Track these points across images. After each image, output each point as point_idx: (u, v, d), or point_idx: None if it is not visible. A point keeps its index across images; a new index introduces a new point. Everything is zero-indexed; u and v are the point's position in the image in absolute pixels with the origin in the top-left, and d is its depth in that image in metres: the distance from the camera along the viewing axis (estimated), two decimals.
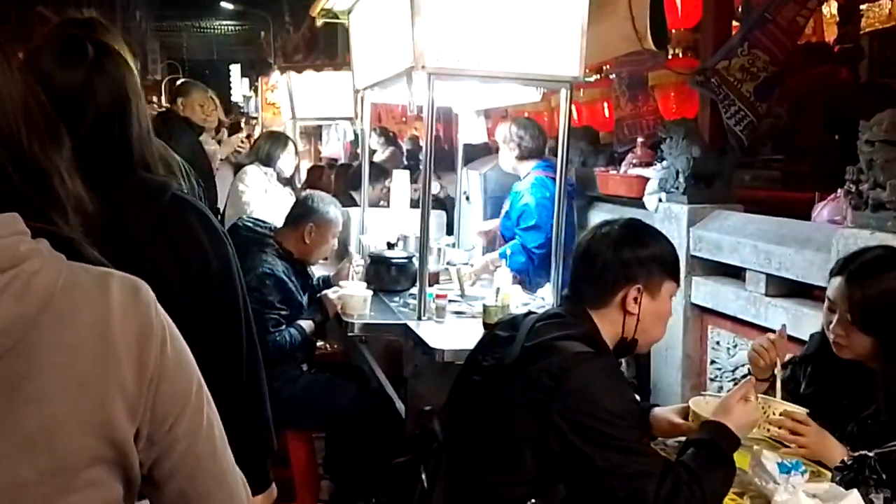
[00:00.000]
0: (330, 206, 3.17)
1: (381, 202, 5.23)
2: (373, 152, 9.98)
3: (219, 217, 4.85)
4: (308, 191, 3.36)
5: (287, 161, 4.65)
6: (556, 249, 3.22)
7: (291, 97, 7.78)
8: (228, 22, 28.85)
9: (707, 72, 3.75)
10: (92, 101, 1.28)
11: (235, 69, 30.16)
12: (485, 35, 2.96)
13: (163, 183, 1.34)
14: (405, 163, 9.22)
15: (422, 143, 9.71)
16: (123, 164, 1.30)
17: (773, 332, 2.91)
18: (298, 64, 9.22)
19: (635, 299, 1.66)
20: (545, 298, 3.12)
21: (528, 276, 3.85)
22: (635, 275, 1.66)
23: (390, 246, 3.71)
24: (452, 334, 2.89)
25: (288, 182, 4.69)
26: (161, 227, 1.29)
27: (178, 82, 5.14)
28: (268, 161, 4.61)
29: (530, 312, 1.78)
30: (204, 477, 0.82)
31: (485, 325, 2.84)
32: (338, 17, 4.43)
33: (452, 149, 8.64)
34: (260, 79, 13.47)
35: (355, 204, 5.19)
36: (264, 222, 3.23)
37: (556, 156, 3.88)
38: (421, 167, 3.09)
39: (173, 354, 0.78)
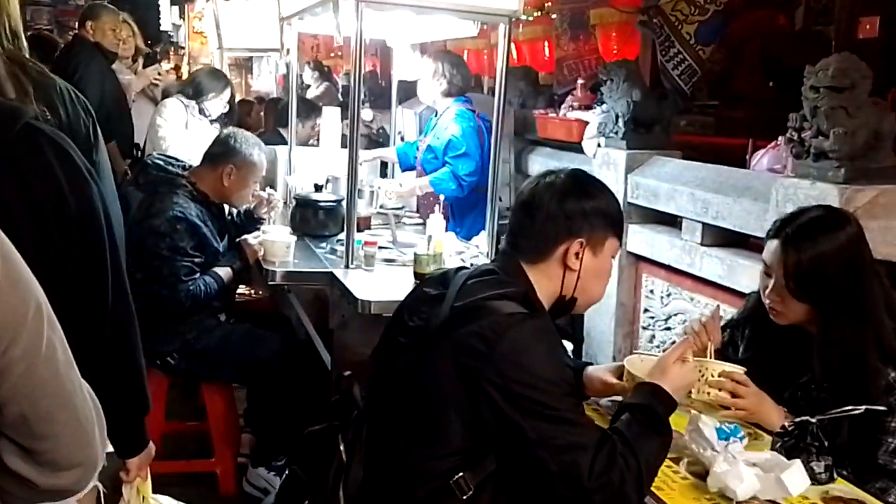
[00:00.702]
0: (254, 149, 2.94)
1: (312, 141, 4.98)
2: (306, 87, 9.60)
3: (137, 153, 4.52)
4: (231, 128, 3.10)
5: (215, 104, 4.33)
6: (492, 195, 3.08)
7: (218, 26, 7.31)
8: None
9: (651, 10, 3.60)
10: None
11: None
12: None
13: (12, 109, 1.17)
14: (340, 99, 8.89)
15: None
16: None
17: (709, 283, 2.88)
18: None
19: (577, 254, 1.53)
20: (479, 247, 2.99)
21: (457, 206, 3.75)
22: (579, 228, 1.52)
23: (318, 188, 3.50)
24: (381, 284, 2.73)
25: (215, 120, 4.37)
26: (7, 161, 1.12)
27: (87, 4, 4.70)
28: (195, 95, 4.27)
29: (462, 268, 1.63)
30: (44, 398, 0.80)
31: (416, 274, 2.69)
32: None
33: (389, 85, 8.36)
34: (187, 6, 12.75)
35: (284, 142, 4.94)
36: (177, 160, 2.98)
37: (493, 95, 3.73)
38: (354, 102, 2.87)
39: (3, 272, 0.75)
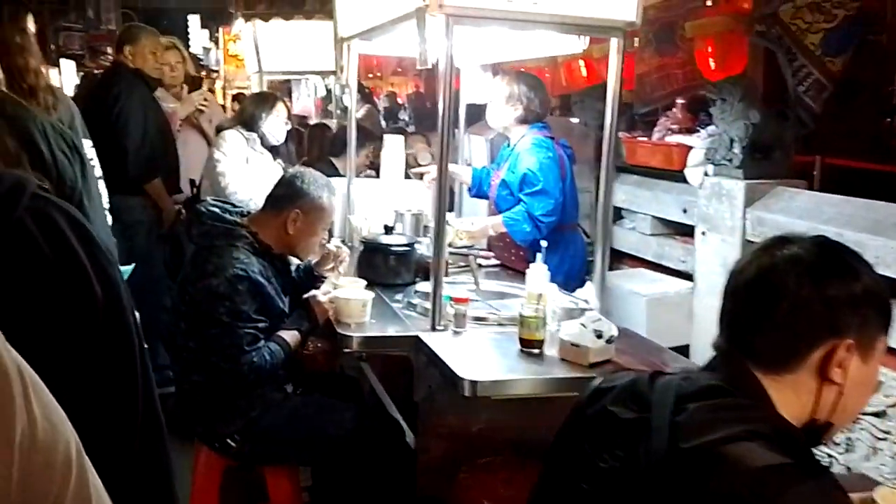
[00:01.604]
0: (323, 191, 2.50)
1: (366, 171, 4.56)
2: (344, 110, 9.23)
3: (193, 189, 4.11)
4: (297, 168, 2.67)
5: (274, 124, 3.88)
6: (603, 236, 2.61)
7: (257, 49, 7.00)
8: None
9: (767, 20, 3.12)
10: None
11: (194, 19, 28.74)
12: None
13: (16, 181, 0.90)
14: (382, 122, 8.51)
15: (400, 100, 9.00)
16: None
17: None
18: (264, 12, 8.34)
19: (841, 362, 1.06)
20: (588, 301, 2.51)
21: (532, 254, 3.29)
22: (846, 324, 1.05)
23: (388, 230, 3.06)
24: (479, 353, 2.28)
25: (275, 150, 3.94)
26: (14, 247, 0.87)
27: (124, 27, 4.34)
28: (251, 124, 3.84)
29: (658, 373, 1.16)
30: None
31: (522, 341, 2.23)
32: None
33: (436, 107, 7.96)
34: (221, 29, 12.51)
35: (335, 172, 4.52)
36: (234, 205, 2.56)
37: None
38: (444, 130, 2.43)
39: (41, 409, 0.58)
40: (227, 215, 2.43)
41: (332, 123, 8.35)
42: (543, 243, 2.69)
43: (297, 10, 11.10)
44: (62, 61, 20.49)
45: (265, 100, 3.94)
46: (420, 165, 4.13)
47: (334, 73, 7.35)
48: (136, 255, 3.88)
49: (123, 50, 4.04)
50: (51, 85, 2.35)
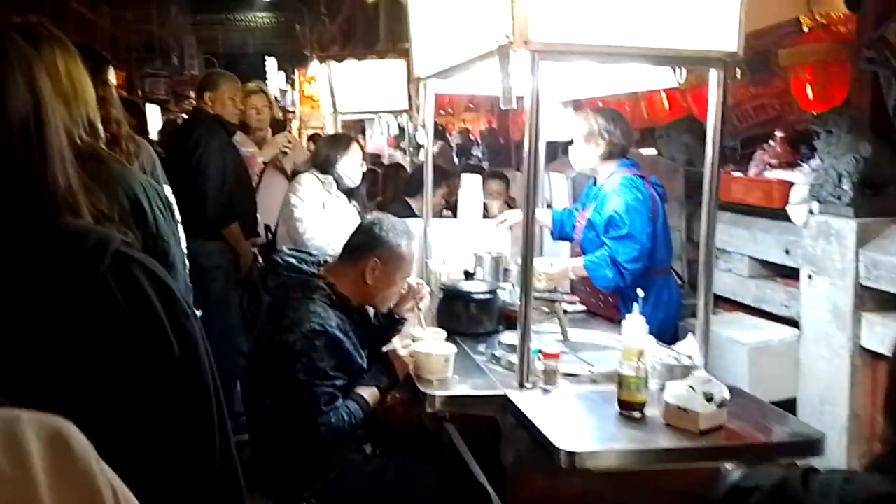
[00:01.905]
0: (402, 238, 2.38)
1: (443, 211, 4.45)
2: (418, 147, 9.21)
3: (270, 234, 4.07)
4: (375, 214, 2.56)
5: (350, 165, 3.78)
6: (704, 284, 2.40)
7: (332, 89, 7.04)
8: (264, 14, 28.34)
9: (875, 44, 2.88)
10: None
11: (271, 62, 29.75)
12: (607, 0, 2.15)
13: (101, 238, 0.92)
14: (455, 159, 8.44)
15: (473, 136, 8.93)
16: (38, 203, 0.91)
17: None
18: (339, 53, 8.45)
19: None
20: (692, 357, 2.30)
21: (621, 300, 3.09)
22: None
23: (468, 276, 2.92)
24: (575, 416, 2.10)
25: (351, 192, 3.86)
26: (96, 305, 0.88)
27: (204, 74, 4.38)
28: (327, 167, 3.75)
29: (811, 471, 0.96)
30: None
31: (622, 403, 2.03)
32: None
33: (510, 143, 7.85)
34: (297, 71, 12.81)
35: (411, 213, 4.43)
36: (310, 254, 2.47)
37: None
38: (530, 171, 2.28)
39: None
40: (304, 265, 2.34)
41: (406, 161, 8.36)
42: (640, 292, 2.49)
43: (370, 49, 11.25)
44: (148, 106, 21.41)
45: (340, 141, 3.87)
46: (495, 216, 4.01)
47: (407, 111, 7.39)
48: (213, 300, 3.86)
49: (204, 96, 4.07)
50: (132, 133, 2.35)
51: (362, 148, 3.94)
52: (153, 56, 27.51)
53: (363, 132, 11.12)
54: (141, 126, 4.77)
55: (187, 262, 2.16)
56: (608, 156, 3.17)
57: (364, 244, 2.38)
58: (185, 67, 31.61)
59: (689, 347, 2.36)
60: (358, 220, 3.69)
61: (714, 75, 2.29)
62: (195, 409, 0.99)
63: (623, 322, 2.37)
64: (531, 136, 2.23)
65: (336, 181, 3.65)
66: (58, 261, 0.88)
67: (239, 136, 4.26)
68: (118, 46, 23.60)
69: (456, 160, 8.32)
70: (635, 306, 2.39)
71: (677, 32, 2.21)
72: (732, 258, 3.66)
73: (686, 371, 2.26)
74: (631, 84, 3.06)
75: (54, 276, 0.86)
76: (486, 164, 7.39)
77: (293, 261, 2.33)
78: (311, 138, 9.73)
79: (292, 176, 3.90)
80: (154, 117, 18.20)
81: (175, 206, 2.20)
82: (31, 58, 0.99)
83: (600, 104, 4.95)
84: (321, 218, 3.53)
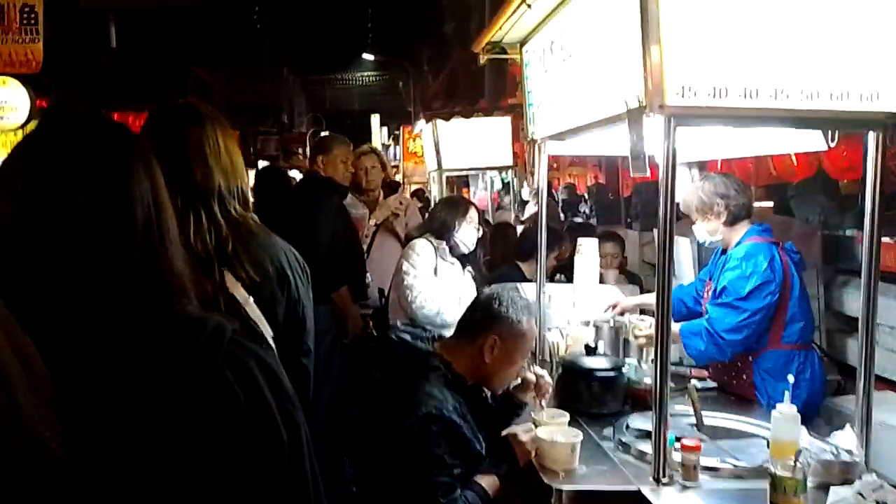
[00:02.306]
0: (523, 314, 2.23)
1: (557, 275, 4.28)
2: (523, 204, 9.10)
3: (382, 300, 4.00)
4: (494, 288, 2.42)
5: (466, 232, 3.62)
6: (864, 366, 2.13)
7: (438, 147, 7.09)
8: (369, 73, 29.35)
9: None
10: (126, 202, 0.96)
11: (375, 118, 30.70)
12: (751, 58, 1.97)
13: (217, 326, 0.95)
14: (561, 215, 8.26)
15: (580, 191, 8.73)
16: (158, 291, 0.95)
17: None
18: (445, 111, 8.50)
19: None
20: (853, 453, 2.02)
21: (758, 375, 2.83)
22: None
23: (590, 350, 2.73)
24: None
25: (465, 258, 3.70)
26: (213, 395, 0.89)
27: (318, 137, 4.42)
28: (442, 233, 3.59)
29: None
30: None
31: None
32: (505, 52, 3.57)
33: (619, 198, 7.62)
34: (401, 127, 13.03)
35: (521, 277, 4.27)
36: (425, 330, 2.35)
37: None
38: (666, 246, 2.10)
39: None
40: (419, 343, 2.22)
41: (510, 216, 8.25)
42: (790, 378, 2.23)
43: (473, 104, 11.32)
44: (259, 162, 22.41)
45: (457, 206, 3.72)
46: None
47: (513, 167, 7.32)
48: (320, 364, 3.81)
49: (317, 160, 4.10)
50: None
51: (478, 211, 3.81)
52: (265, 115, 28.93)
53: (467, 186, 11.13)
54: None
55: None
56: (732, 221, 2.96)
57: (482, 320, 2.24)
58: (294, 125, 33.10)
59: (847, 440, 2.08)
60: (472, 287, 3.58)
61: (872, 137, 2.06)
62: (295, 492, 1.01)
63: (773, 413, 2.12)
64: (666, 209, 2.05)
65: (450, 248, 3.54)
66: (178, 349, 0.90)
67: (350, 199, 4.26)
68: (233, 106, 24.91)
69: (562, 216, 8.14)
70: (786, 395, 2.13)
71: (832, 91, 2.00)
72: (881, 331, 3.30)
73: (846, 469, 1.99)
74: (772, 146, 2.85)
75: (175, 364, 0.89)
76: (594, 221, 7.17)
77: (407, 337, 2.22)
78: (415, 194, 9.79)
79: (406, 240, 3.81)
80: None
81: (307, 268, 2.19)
82: (150, 154, 1.02)
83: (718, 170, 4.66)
84: (432, 285, 3.41)
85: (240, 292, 1.67)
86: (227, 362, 0.91)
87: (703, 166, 3.65)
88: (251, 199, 1.87)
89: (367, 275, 4.15)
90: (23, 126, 6.86)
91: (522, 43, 3.37)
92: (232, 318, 1.05)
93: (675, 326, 2.94)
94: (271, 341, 1.70)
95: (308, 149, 30.42)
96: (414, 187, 11.23)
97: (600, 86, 2.38)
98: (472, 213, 3.61)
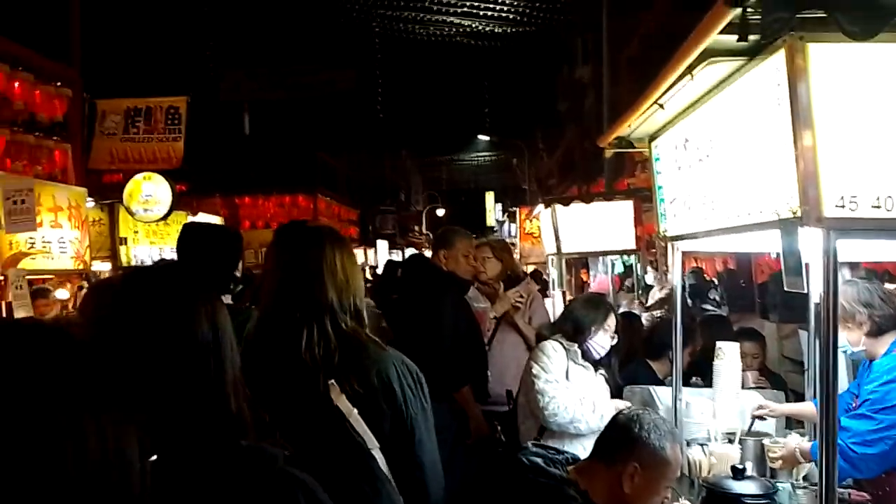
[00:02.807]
0: (666, 439, 2.06)
1: (693, 378, 4.00)
2: (647, 289, 8.77)
3: (510, 403, 3.86)
4: (632, 410, 2.25)
5: (602, 338, 3.39)
6: None
7: (557, 231, 6.99)
8: (484, 153, 29.91)
9: None
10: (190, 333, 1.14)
11: (489, 196, 31.06)
12: None
13: (268, 456, 1.07)
14: (689, 301, 7.88)
15: (708, 276, 8.33)
16: (216, 425, 1.07)
17: None
18: (564, 197, 8.44)
19: None
20: None
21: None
22: None
23: (737, 473, 2.48)
24: None
25: (598, 361, 3.47)
26: None
27: (438, 231, 4.42)
28: (576, 334, 3.37)
29: None
30: None
31: None
32: (632, 147, 3.47)
33: (752, 286, 7.19)
34: (518, 208, 13.06)
35: (653, 378, 4.02)
36: (558, 451, 2.21)
37: None
38: (829, 380, 1.88)
39: None
40: (552, 468, 2.08)
41: (633, 301, 7.95)
42: None
43: (590, 182, 11.19)
44: (378, 241, 23.03)
45: (597, 309, 3.47)
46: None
47: (635, 251, 7.10)
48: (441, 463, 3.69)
49: (439, 254, 4.08)
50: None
51: (618, 320, 3.55)
52: (384, 194, 29.96)
53: (585, 268, 10.91)
54: None
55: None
56: (877, 332, 2.69)
57: (621, 445, 2.08)
58: (411, 203, 34.05)
59: None
60: (605, 391, 3.38)
61: None
62: None
63: None
64: (828, 332, 1.85)
65: (582, 352, 3.36)
66: (231, 480, 0.99)
67: (472, 291, 4.20)
68: (354, 187, 25.93)
69: (689, 302, 7.76)
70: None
71: None
72: None
73: None
74: None
75: (227, 494, 0.98)
76: (724, 310, 6.78)
77: (540, 461, 2.09)
78: (532, 274, 9.67)
79: (537, 339, 3.63)
80: (382, 251, 19.52)
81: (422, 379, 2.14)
82: (214, 298, 1.19)
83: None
84: (565, 390, 3.24)
85: (343, 404, 1.74)
86: (273, 491, 1.03)
87: (854, 265, 3.36)
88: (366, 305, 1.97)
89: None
90: (165, 217, 7.31)
91: (652, 138, 3.26)
92: (282, 446, 1.17)
93: (806, 444, 2.68)
94: (377, 453, 1.76)
95: (423, 226, 31.17)
96: (530, 268, 11.12)
97: (744, 190, 2.22)
98: (612, 321, 3.40)
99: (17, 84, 7.03)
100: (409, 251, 28.56)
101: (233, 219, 12.49)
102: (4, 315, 5.51)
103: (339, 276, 1.85)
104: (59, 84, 7.66)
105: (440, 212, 32.54)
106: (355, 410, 1.74)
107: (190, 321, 1.12)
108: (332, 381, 1.76)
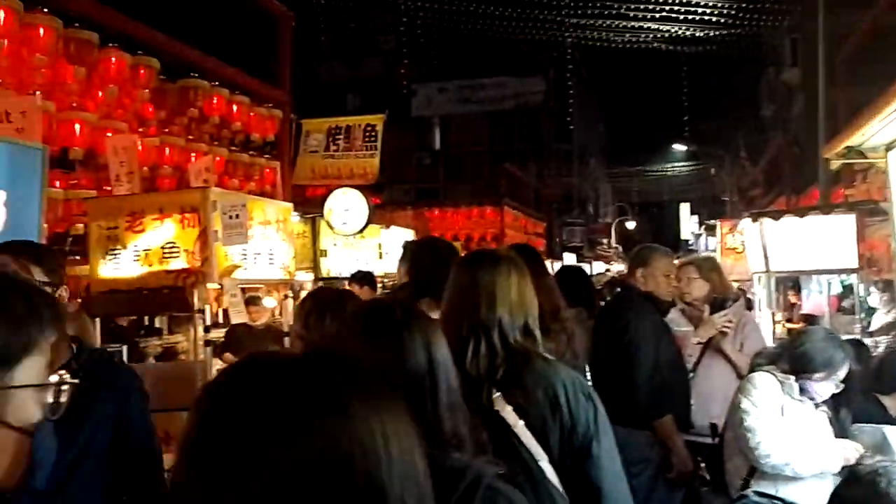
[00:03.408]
0: None
1: None
2: (870, 311, 7.84)
3: (714, 437, 3.53)
4: (873, 462, 1.91)
5: (825, 388, 2.95)
6: None
7: (765, 248, 6.45)
8: (680, 164, 28.66)
9: None
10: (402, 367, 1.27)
11: (684, 207, 29.69)
12: None
13: (477, 474, 1.15)
14: None
15: None
16: (431, 443, 1.05)
17: None
18: (773, 210, 7.79)
19: None
20: None
21: None
22: None
23: None
24: None
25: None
26: None
27: (635, 249, 4.16)
28: (798, 369, 2.95)
29: None
30: None
31: None
32: (863, 157, 3.05)
33: None
34: (719, 222, 12.25)
35: (884, 415, 3.49)
36: (781, 500, 1.92)
37: None
38: None
39: None
40: None
41: (854, 329, 7.12)
42: None
43: (800, 193, 10.25)
44: (565, 254, 22.78)
45: (834, 351, 2.95)
46: None
47: (857, 269, 6.36)
48: (640, 497, 3.43)
49: (635, 273, 3.84)
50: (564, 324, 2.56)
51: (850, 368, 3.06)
52: (570, 206, 29.58)
53: (795, 289, 9.99)
54: None
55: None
56: None
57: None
58: (599, 215, 33.34)
59: None
60: (828, 430, 2.97)
61: None
62: None
63: None
64: None
65: (800, 389, 2.96)
66: (441, 495, 0.98)
67: (674, 313, 3.92)
68: (540, 199, 25.85)
69: None
70: None
71: None
72: None
73: None
74: None
75: None
76: None
77: None
78: None
79: (750, 369, 3.25)
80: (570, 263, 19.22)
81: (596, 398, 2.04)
82: (428, 326, 1.33)
83: None
84: (778, 429, 2.88)
85: (508, 414, 1.81)
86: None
87: None
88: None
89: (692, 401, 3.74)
90: (361, 230, 7.60)
91: (889, 147, 2.85)
92: (494, 462, 1.25)
93: None
94: (544, 464, 1.79)
95: (612, 239, 30.38)
96: (735, 286, 10.36)
97: None
98: (843, 372, 2.96)
99: (235, 107, 7.63)
100: (598, 265, 27.99)
101: (422, 232, 12.86)
102: (221, 321, 5.98)
103: (512, 297, 1.93)
104: (270, 106, 8.24)
105: (630, 224, 31.53)
106: (521, 422, 1.80)
107: (407, 351, 1.25)
108: (498, 392, 1.83)
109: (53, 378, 0.96)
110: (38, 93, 5.19)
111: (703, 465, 3.34)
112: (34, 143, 3.81)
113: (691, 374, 3.95)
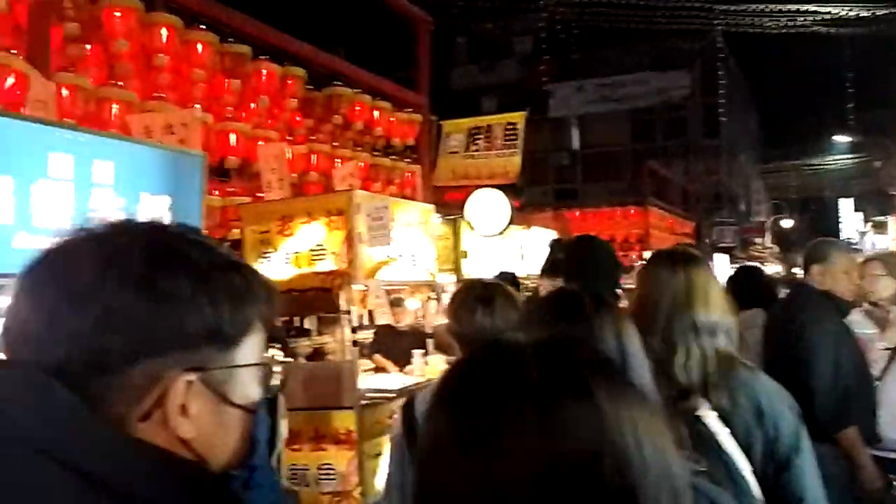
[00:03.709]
0: None
1: None
2: None
3: None
4: None
5: None
6: None
7: None
8: (840, 157, 26.59)
9: None
10: None
11: (846, 203, 27.52)
12: None
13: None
14: None
15: None
16: None
17: None
18: None
19: None
20: None
21: None
22: None
23: None
24: None
25: None
26: None
27: (811, 244, 3.77)
28: None
29: None
30: None
31: None
32: None
33: None
34: (891, 218, 11.20)
35: None
36: None
37: None
38: None
39: None
40: None
41: None
42: None
43: None
44: (715, 255, 21.65)
45: None
46: None
47: None
48: None
49: (811, 270, 3.48)
50: None
51: None
52: (720, 205, 28.11)
53: None
54: None
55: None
56: None
57: None
58: (752, 214, 31.49)
59: None
60: None
61: None
62: None
63: None
64: None
65: None
66: None
67: (857, 315, 3.52)
68: (688, 198, 24.75)
69: None
70: None
71: None
72: None
73: None
74: None
75: None
76: None
77: None
78: None
79: None
80: (721, 266, 18.25)
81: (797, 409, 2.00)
82: (617, 315, 1.34)
83: None
84: None
85: (713, 422, 1.75)
86: None
87: None
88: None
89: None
90: (503, 231, 7.51)
91: None
92: (694, 458, 1.20)
93: None
94: (748, 475, 1.72)
95: (767, 239, 28.58)
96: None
97: None
98: None
99: (376, 113, 7.75)
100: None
101: (562, 233, 12.59)
102: (367, 322, 6.06)
103: (721, 298, 1.88)
104: (410, 110, 8.32)
105: (786, 223, 29.51)
106: (726, 430, 1.74)
107: (597, 338, 1.23)
108: (703, 398, 1.79)
109: (267, 355, 0.98)
110: (197, 105, 5.47)
111: (895, 482, 2.97)
112: (195, 150, 3.98)
113: (877, 383, 3.57)
